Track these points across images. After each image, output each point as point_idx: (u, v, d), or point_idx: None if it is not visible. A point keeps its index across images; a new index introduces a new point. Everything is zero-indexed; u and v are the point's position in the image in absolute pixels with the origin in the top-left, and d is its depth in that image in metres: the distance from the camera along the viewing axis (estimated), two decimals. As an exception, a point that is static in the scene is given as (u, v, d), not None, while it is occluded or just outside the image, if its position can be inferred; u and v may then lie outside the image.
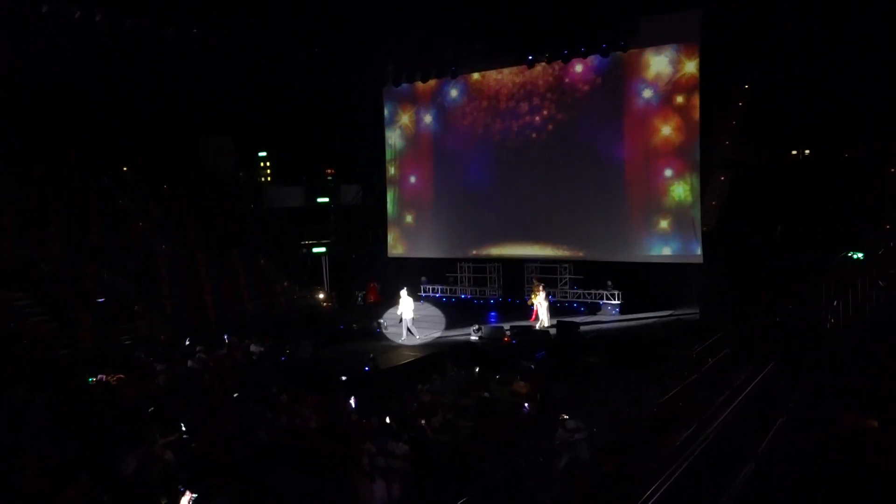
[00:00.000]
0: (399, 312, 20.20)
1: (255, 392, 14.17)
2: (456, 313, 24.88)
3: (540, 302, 21.64)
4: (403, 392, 14.24)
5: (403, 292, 20.12)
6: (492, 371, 15.99)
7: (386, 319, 21.49)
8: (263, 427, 11.64)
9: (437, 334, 20.74)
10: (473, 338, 20.17)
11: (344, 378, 15.59)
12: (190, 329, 20.33)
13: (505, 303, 26.58)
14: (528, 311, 22.41)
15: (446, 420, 12.13)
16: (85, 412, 11.83)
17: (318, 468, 10.10)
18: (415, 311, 20.52)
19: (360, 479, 9.57)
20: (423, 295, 27.99)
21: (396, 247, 29.13)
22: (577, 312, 23.66)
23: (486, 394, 13.81)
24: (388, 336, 20.52)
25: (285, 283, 27.30)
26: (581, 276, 25.06)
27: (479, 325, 20.46)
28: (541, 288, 21.80)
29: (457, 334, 20.99)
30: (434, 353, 18.47)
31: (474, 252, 27.14)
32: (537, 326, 20.46)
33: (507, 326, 20.88)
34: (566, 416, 11.30)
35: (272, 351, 18.30)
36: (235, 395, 14.03)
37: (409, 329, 19.94)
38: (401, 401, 13.56)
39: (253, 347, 18.07)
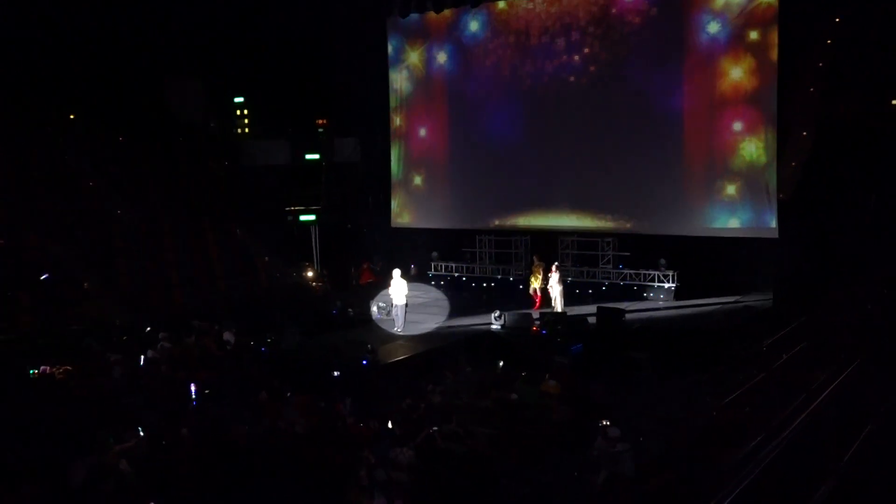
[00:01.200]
0: (389, 296, 20.54)
1: (231, 389, 14.41)
2: (474, 297, 25.18)
3: (552, 285, 21.81)
4: (409, 392, 14.35)
5: (396, 273, 20.50)
6: (517, 367, 16.21)
7: (385, 303, 21.78)
8: (240, 432, 11.81)
9: (434, 326, 21.09)
10: (495, 326, 20.45)
11: (337, 374, 15.91)
12: (151, 313, 20.64)
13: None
14: (534, 299, 22.81)
15: (461, 426, 12.30)
16: (24, 411, 11.94)
17: (305, 481, 10.18)
18: (409, 296, 20.95)
19: (357, 494, 9.65)
20: (433, 274, 28.27)
21: (402, 215, 29.31)
22: (622, 297, 23.76)
23: (510, 395, 14.07)
24: (388, 324, 20.93)
25: (266, 258, 27.63)
26: (627, 254, 24.97)
27: (501, 311, 20.78)
28: (554, 269, 21.97)
29: (474, 322, 21.30)
30: (446, 346, 18.81)
31: (497, 223, 27.28)
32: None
33: (535, 313, 21.14)
34: (607, 423, 11.39)
35: (250, 340, 18.49)
36: (206, 392, 14.25)
37: (395, 316, 20.45)
38: (406, 402, 13.70)
39: (227, 335, 18.27)
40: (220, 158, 29.93)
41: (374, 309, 22.19)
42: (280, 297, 24.71)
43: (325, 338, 20.07)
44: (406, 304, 20.71)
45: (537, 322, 20.46)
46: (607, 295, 24.22)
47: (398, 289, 20.43)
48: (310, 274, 28.21)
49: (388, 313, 21.24)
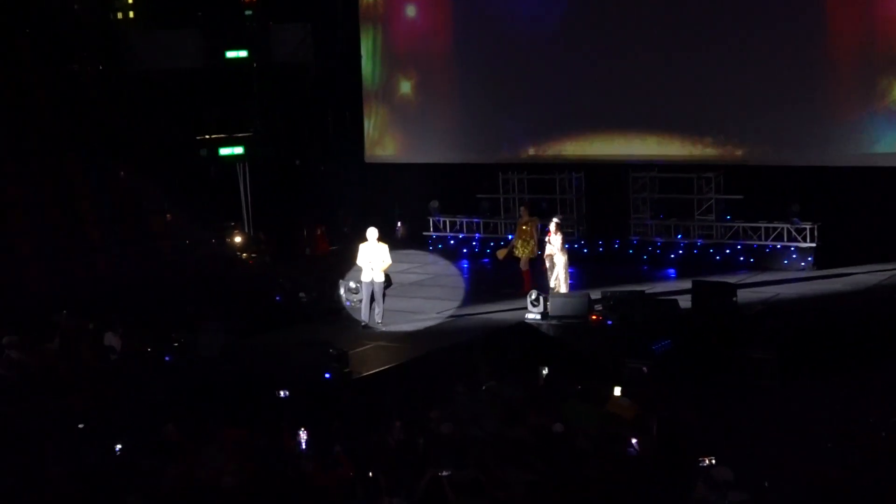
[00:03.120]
0: (362, 272, 20.58)
1: (118, 422, 14.41)
2: (497, 270, 25.11)
3: (552, 253, 21.73)
4: (398, 419, 14.27)
5: (372, 235, 20.59)
6: (568, 378, 16.38)
7: (356, 282, 21.58)
8: (135, 485, 11.75)
9: (436, 317, 21.44)
10: (532, 315, 20.62)
11: (285, 394, 15.78)
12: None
13: (592, 249, 27.00)
14: (538, 273, 22.66)
15: (482, 470, 12.30)
16: None
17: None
18: (392, 271, 21.09)
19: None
20: (434, 235, 28.42)
21: (381, 144, 29.52)
22: (731, 265, 24.03)
23: (557, 422, 14.02)
24: (362, 314, 21.08)
25: (168, 216, 27.72)
26: (740, 197, 25.38)
27: (540, 291, 20.95)
28: (553, 227, 21.77)
29: (499, 309, 21.46)
30: (456, 347, 19.05)
31: (531, 152, 27.48)
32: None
33: (595, 293, 21.22)
34: (711, 461, 11.45)
35: (146, 344, 18.62)
36: (80, 425, 14.26)
37: (372, 304, 20.68)
38: (395, 435, 13.75)
39: (111, 338, 18.30)
40: (92, 59, 29.34)
41: (342, 291, 22.31)
42: (192, 277, 24.72)
43: (265, 338, 20.24)
44: (388, 284, 20.88)
45: (598, 307, 20.66)
46: (707, 262, 24.46)
47: (376, 259, 20.41)
48: (238, 240, 28.28)
49: (362, 299, 21.21)
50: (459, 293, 23.42)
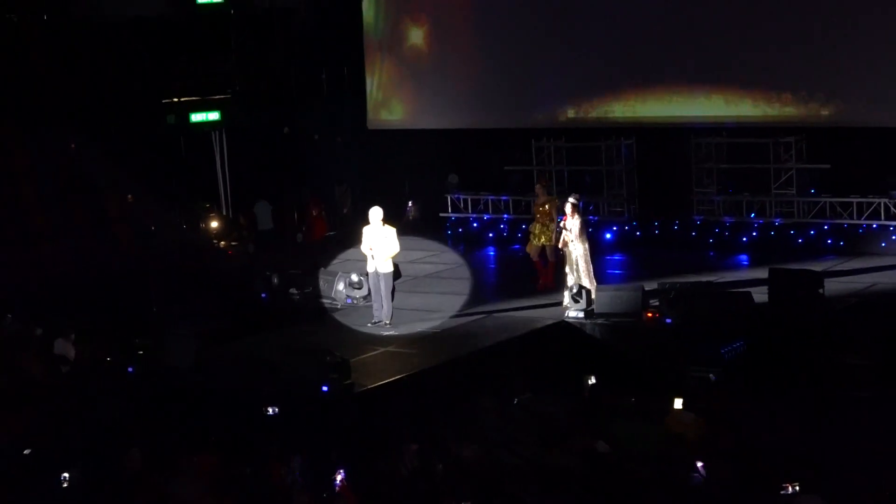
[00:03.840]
0: (365, 261, 20.53)
1: (72, 445, 14.39)
2: (529, 258, 24.76)
3: (569, 239, 21.11)
4: (412, 442, 14.41)
5: (375, 216, 20.46)
6: (617, 389, 16.49)
7: (359, 275, 21.74)
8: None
9: (455, 315, 21.36)
10: (574, 313, 20.55)
11: (273, 411, 16.01)
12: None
13: (646, 231, 27.00)
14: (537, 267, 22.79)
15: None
16: None
17: None
18: (402, 260, 21.10)
19: None
20: (453, 217, 28.44)
21: (387, 106, 29.50)
22: (815, 250, 23.92)
23: (605, 443, 14.20)
24: (365, 313, 21.04)
25: (130, 197, 27.77)
26: (827, 166, 25.28)
27: (580, 285, 20.81)
28: (570, 208, 21.10)
29: (533, 305, 21.42)
30: (480, 352, 18.94)
31: (571, 114, 27.42)
32: (566, 300, 20.78)
33: (650, 285, 21.31)
34: (795, 488, 11.51)
35: (104, 352, 18.71)
36: (25, 451, 14.38)
37: (380, 299, 20.61)
38: (410, 460, 13.84)
39: (61, 345, 18.39)
40: (33, 7, 29.20)
41: (340, 287, 22.48)
42: (158, 271, 24.52)
43: (247, 345, 20.20)
44: (396, 276, 20.84)
45: (654, 301, 20.65)
46: (787, 245, 24.38)
47: (381, 246, 20.31)
48: (214, 224, 28.28)
49: (366, 295, 21.26)
50: (484, 288, 23.42)
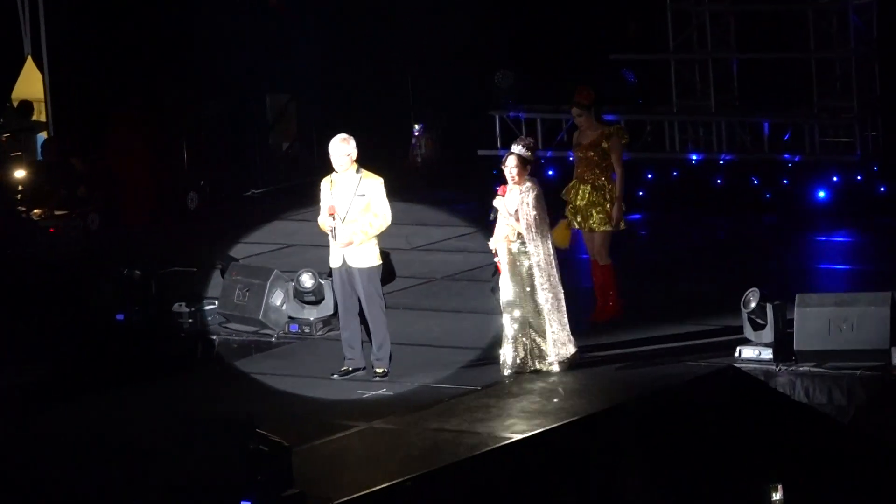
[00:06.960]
0: (330, 239, 16.28)
1: None
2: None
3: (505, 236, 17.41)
4: None
5: (339, 152, 16.07)
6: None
7: (306, 275, 17.78)
8: None
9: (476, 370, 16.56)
10: (749, 353, 15.99)
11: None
12: None
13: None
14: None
15: None
16: None
17: None
18: (386, 231, 16.64)
19: None
20: (503, 153, 25.74)
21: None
22: None
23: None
24: (316, 353, 17.22)
25: None
26: None
27: (759, 291, 16.09)
28: (515, 160, 17.35)
29: (671, 336, 16.42)
30: (558, 430, 14.08)
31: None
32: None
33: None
34: None
35: None
36: None
37: (355, 323, 16.39)
38: None
39: None
40: None
41: (277, 301, 18.23)
42: None
43: (86, 412, 15.68)
44: (385, 274, 16.72)
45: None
46: None
47: (354, 216, 15.73)
48: (20, 175, 24.02)
49: (330, 315, 17.29)
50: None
